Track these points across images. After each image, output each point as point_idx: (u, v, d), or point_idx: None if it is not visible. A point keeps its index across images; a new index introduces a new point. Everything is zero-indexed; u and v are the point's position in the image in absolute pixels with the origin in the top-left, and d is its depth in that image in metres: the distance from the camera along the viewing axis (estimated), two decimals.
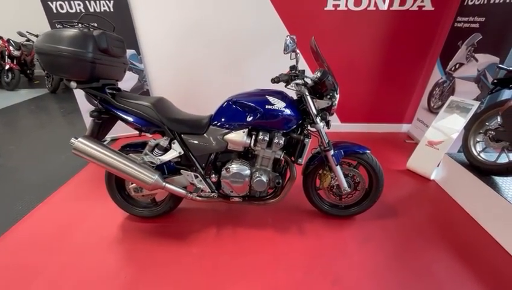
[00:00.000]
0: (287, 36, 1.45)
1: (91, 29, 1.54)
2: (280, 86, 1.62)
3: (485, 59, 2.38)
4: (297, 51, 1.52)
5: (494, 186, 1.92)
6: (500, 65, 2.07)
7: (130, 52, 2.98)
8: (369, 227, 1.95)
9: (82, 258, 1.69)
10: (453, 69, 2.77)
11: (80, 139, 1.55)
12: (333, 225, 1.96)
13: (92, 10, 2.71)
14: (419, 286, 1.52)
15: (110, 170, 1.61)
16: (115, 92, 1.70)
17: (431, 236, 1.87)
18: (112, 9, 2.74)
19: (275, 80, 1.49)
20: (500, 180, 1.99)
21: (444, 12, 2.86)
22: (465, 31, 2.63)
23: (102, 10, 2.72)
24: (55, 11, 2.64)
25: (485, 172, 2.03)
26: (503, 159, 1.95)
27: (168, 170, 1.82)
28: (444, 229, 1.94)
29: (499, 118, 1.99)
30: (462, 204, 2.17)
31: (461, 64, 2.66)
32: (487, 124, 2.12)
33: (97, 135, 1.74)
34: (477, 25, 2.50)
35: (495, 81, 2.05)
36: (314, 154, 1.85)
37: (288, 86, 1.59)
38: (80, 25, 1.55)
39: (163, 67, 3.19)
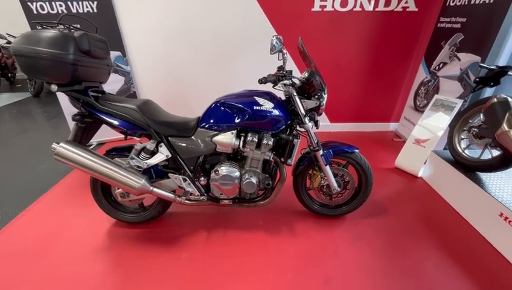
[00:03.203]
0: (273, 36, 1.45)
1: (72, 30, 1.49)
2: (269, 87, 1.61)
3: (467, 58, 2.45)
4: (284, 51, 1.51)
5: (478, 182, 1.97)
6: (482, 64, 2.14)
7: (115, 54, 2.92)
8: (359, 226, 1.96)
9: (66, 268, 1.63)
10: (437, 68, 2.84)
11: (61, 144, 1.50)
12: (324, 224, 1.96)
13: (74, 11, 2.64)
14: (409, 283, 1.54)
15: (95, 176, 1.56)
16: (99, 94, 1.65)
17: (419, 233, 1.90)
18: (95, 10, 2.68)
19: (262, 81, 1.47)
20: (484, 175, 2.04)
21: (427, 13, 2.93)
22: (448, 31, 2.69)
23: (85, 11, 2.65)
24: (35, 12, 2.56)
25: (470, 168, 2.08)
26: (487, 155, 2.01)
27: (155, 174, 1.78)
28: (432, 225, 1.97)
29: (481, 116, 2.04)
30: (448, 200, 2.22)
31: (445, 64, 2.72)
32: (470, 121, 2.18)
33: (81, 139, 1.68)
34: (459, 25, 2.57)
35: (477, 79, 2.11)
36: (303, 155, 1.85)
37: (276, 87, 1.58)
38: (60, 26, 1.50)
39: (150, 69, 3.14)
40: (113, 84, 3.05)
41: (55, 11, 2.59)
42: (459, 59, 2.54)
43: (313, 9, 2.88)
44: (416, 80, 3.20)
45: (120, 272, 1.60)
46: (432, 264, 1.66)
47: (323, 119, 3.59)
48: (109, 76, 1.80)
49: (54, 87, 1.44)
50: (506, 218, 1.71)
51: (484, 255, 1.73)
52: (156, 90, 3.24)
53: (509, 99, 1.76)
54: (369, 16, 2.93)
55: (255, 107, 1.57)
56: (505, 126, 1.68)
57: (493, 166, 1.90)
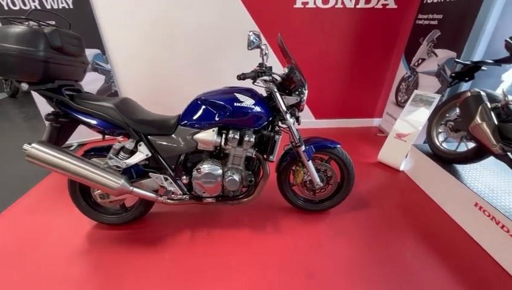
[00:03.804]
0: (250, 32, 1.43)
1: (42, 25, 1.43)
2: (250, 84, 1.60)
3: (443, 54, 2.52)
4: (263, 47, 1.51)
5: (455, 173, 2.04)
6: (457, 59, 2.20)
7: (94, 51, 2.83)
8: (343, 220, 1.99)
9: (44, 274, 1.57)
10: (416, 64, 2.91)
11: (33, 145, 1.44)
12: (308, 220, 1.98)
13: (49, 7, 2.53)
14: (390, 275, 1.58)
15: (71, 177, 1.51)
16: (74, 93, 1.60)
17: (400, 226, 1.94)
18: (71, 6, 2.58)
19: (241, 77, 1.46)
20: (460, 167, 2.11)
21: (406, 10, 2.99)
22: (426, 28, 2.76)
23: (60, 7, 2.55)
24: (6, 7, 2.44)
25: (447, 161, 2.15)
26: (463, 147, 2.08)
27: (136, 174, 1.74)
28: (412, 217, 2.02)
29: (457, 110, 2.11)
30: (428, 192, 2.28)
31: (423, 60, 2.80)
32: (447, 115, 2.25)
33: (56, 140, 1.63)
34: (436, 22, 2.64)
35: (453, 74, 2.17)
36: (286, 151, 1.86)
37: (256, 83, 1.57)
38: (33, 23, 1.43)
39: (132, 67, 3.06)
40: (93, 83, 2.97)
41: (27, 7, 2.48)
42: (436, 55, 2.61)
43: (295, 6, 2.88)
44: (397, 75, 3.28)
45: (100, 276, 1.56)
46: (412, 254, 1.71)
47: (308, 116, 3.62)
48: (85, 74, 1.74)
49: (24, 86, 1.38)
50: (480, 207, 1.77)
51: (460, 243, 1.79)
52: (139, 88, 3.17)
53: (482, 93, 1.82)
54: (350, 12, 2.96)
55: (235, 104, 1.56)
56: (477, 119, 1.74)
57: (468, 158, 1.98)
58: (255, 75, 1.51)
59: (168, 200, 1.73)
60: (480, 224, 1.77)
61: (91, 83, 2.94)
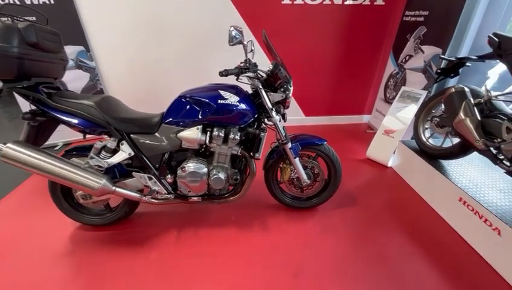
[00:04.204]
0: (231, 27, 1.41)
1: (16, 21, 1.37)
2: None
3: (430, 50, 2.54)
4: (245, 42, 1.48)
5: (440, 169, 2.06)
6: (442, 56, 2.22)
7: (77, 48, 2.76)
8: (331, 217, 1.99)
9: (26, 277, 1.53)
10: (403, 61, 2.92)
11: (9, 144, 1.38)
12: (296, 217, 1.97)
13: (28, 2, 2.45)
14: (377, 273, 1.58)
15: (50, 178, 1.46)
16: (52, 91, 1.55)
17: (387, 222, 1.95)
18: (52, 2, 2.49)
19: (223, 73, 1.43)
20: (446, 163, 2.14)
21: (393, 7, 3.00)
22: (413, 24, 2.78)
23: (41, 3, 2.47)
24: None
25: (433, 156, 2.17)
26: (448, 143, 2.10)
27: (119, 173, 1.70)
28: (399, 214, 2.04)
29: (442, 106, 2.13)
30: (415, 188, 2.30)
31: (410, 56, 2.81)
32: (433, 111, 2.27)
33: (35, 139, 1.57)
34: (422, 19, 2.65)
35: (438, 70, 2.19)
36: (273, 148, 1.85)
37: (239, 79, 1.55)
38: (11, 19, 1.38)
39: (118, 64, 2.99)
40: (77, 80, 2.89)
41: (5, 1, 2.39)
42: (422, 51, 2.63)
43: (283, 2, 2.86)
44: (386, 72, 3.29)
45: (84, 278, 1.52)
46: (399, 251, 1.72)
47: (298, 113, 3.61)
48: (65, 71, 1.69)
49: None
50: (464, 202, 1.80)
51: (446, 239, 1.81)
52: (125, 86, 3.10)
53: (466, 89, 1.84)
54: (338, 9, 2.95)
55: (219, 101, 1.53)
56: (461, 115, 1.75)
57: (453, 153, 2.00)
58: (238, 72, 1.48)
59: (153, 200, 1.70)
60: (465, 219, 1.79)
61: (75, 80, 2.87)
